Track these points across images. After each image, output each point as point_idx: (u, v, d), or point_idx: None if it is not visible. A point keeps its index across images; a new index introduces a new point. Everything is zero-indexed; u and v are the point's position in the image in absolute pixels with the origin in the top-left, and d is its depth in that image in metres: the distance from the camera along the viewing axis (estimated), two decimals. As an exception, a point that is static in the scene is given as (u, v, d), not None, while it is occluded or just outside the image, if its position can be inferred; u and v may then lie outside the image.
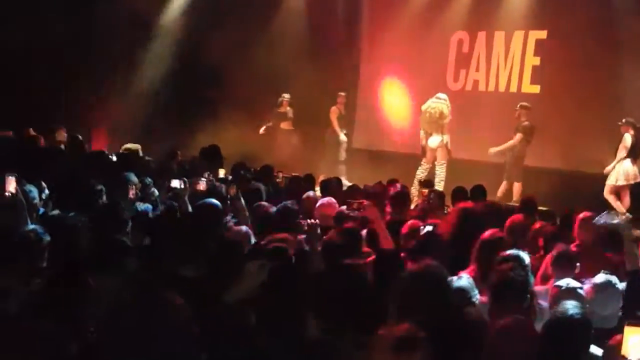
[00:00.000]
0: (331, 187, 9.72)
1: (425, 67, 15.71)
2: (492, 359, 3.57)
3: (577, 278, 5.40)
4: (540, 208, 9.70)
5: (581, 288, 5.01)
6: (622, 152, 12.25)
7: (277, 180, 10.98)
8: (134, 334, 3.14)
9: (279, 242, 5.85)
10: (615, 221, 7.08)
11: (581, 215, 7.55)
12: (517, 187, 13.60)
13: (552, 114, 13.85)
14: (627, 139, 12.18)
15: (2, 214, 5.67)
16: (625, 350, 3.25)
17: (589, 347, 4.05)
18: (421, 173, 14.32)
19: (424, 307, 3.93)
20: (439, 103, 14.19)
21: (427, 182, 12.20)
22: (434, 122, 14.18)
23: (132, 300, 3.73)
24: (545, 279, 5.89)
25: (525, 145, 13.65)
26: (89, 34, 15.66)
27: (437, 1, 15.73)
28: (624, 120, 12.30)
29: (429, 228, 6.40)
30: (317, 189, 9.90)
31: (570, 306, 4.04)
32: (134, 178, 7.60)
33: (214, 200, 6.68)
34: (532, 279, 4.99)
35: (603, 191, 12.45)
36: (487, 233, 6.76)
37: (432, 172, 14.32)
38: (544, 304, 4.84)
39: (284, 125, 16.33)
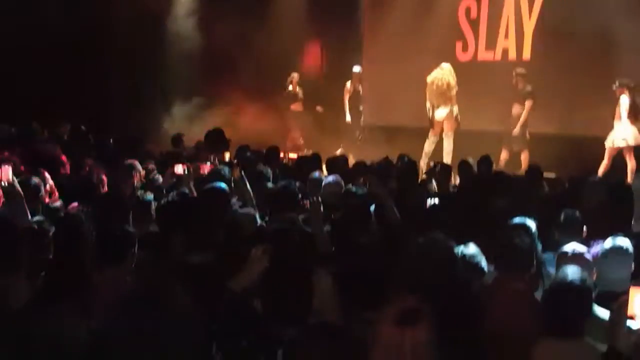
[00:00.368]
0: (337, 165, 9.68)
1: (432, 38, 15.46)
2: (494, 329, 3.53)
3: (585, 242, 5.36)
4: (547, 175, 9.68)
5: (588, 252, 4.97)
6: (624, 115, 12.20)
7: (284, 161, 10.95)
8: (139, 326, 3.13)
9: (283, 223, 5.80)
10: None
11: (590, 179, 7.51)
12: (525, 156, 13.52)
13: (551, 78, 13.77)
14: (625, 101, 12.16)
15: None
16: (631, 309, 3.23)
17: (589, 313, 4.04)
18: (429, 146, 14.24)
19: (431, 279, 3.91)
20: (445, 74, 14.07)
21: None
22: (442, 94, 14.06)
23: (136, 292, 3.72)
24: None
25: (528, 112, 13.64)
26: (93, 27, 15.57)
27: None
28: (617, 83, 12.28)
29: (435, 201, 6.38)
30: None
31: (570, 272, 4.02)
32: (137, 165, 7.58)
33: (222, 184, 6.64)
34: (539, 246, 4.97)
35: (604, 154, 12.45)
36: (494, 203, 6.78)
37: (440, 144, 14.24)
38: (553, 270, 4.79)
39: (295, 106, 16.14)
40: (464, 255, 4.63)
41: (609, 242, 4.91)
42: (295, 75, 16.05)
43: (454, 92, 14.04)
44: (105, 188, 6.90)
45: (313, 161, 10.04)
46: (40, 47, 14.76)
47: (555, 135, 13.57)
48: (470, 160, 9.94)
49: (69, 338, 3.59)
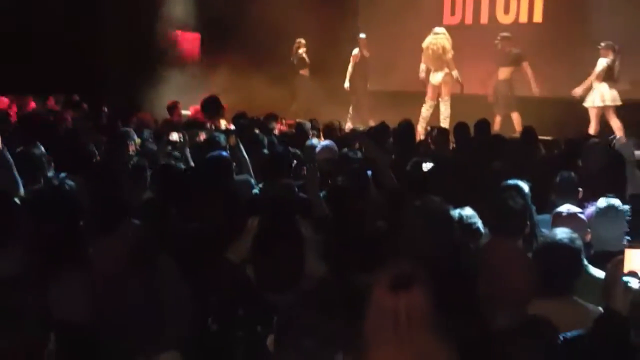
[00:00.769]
0: (333, 131, 9.67)
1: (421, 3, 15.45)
2: (489, 291, 3.54)
3: (580, 203, 5.36)
4: (543, 137, 9.68)
5: (582, 213, 4.98)
6: (595, 75, 12.46)
7: (281, 127, 10.92)
8: (134, 297, 3.13)
9: (278, 190, 5.79)
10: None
11: (588, 142, 7.51)
12: (516, 117, 13.58)
13: (538, 42, 13.83)
14: (602, 62, 12.39)
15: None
16: (627, 266, 3.24)
17: (578, 272, 4.05)
18: (426, 111, 14.21)
19: (428, 243, 3.91)
20: (439, 38, 14.02)
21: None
22: (438, 58, 14.02)
23: (132, 262, 3.71)
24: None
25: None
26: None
27: None
28: (603, 44, 12.43)
29: (430, 164, 6.37)
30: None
31: (559, 232, 4.05)
32: (132, 134, 7.54)
33: (223, 153, 6.61)
34: (532, 208, 4.98)
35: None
36: (490, 165, 6.78)
37: (437, 109, 14.21)
38: (546, 232, 4.80)
39: (304, 72, 15.96)
40: (461, 218, 4.63)
41: (601, 202, 4.95)
42: (302, 41, 15.90)
43: (449, 55, 13.98)
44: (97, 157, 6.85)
45: (309, 127, 10.01)
46: (35, 16, 14.61)
47: (551, 98, 13.58)
48: None
49: (66, 307, 3.60)
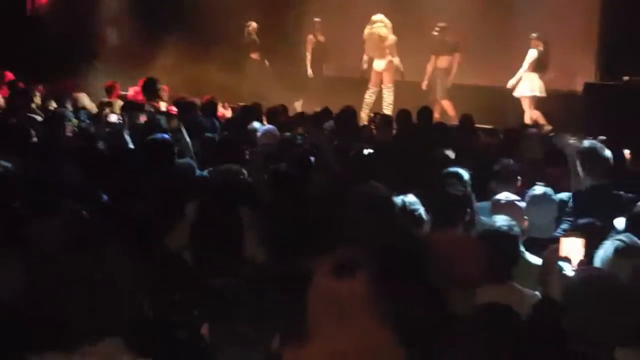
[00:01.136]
0: (277, 115, 9.64)
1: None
2: (438, 278, 3.56)
3: (518, 192, 5.44)
4: (484, 126, 9.83)
5: (519, 200, 5.06)
6: (525, 65, 12.73)
7: (224, 110, 10.84)
8: (72, 279, 3.07)
9: (223, 174, 5.75)
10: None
11: (526, 132, 7.63)
12: (447, 104, 13.77)
13: (469, 30, 13.93)
14: (533, 53, 12.68)
15: None
16: (563, 253, 3.32)
17: (515, 259, 4.13)
18: (369, 97, 14.28)
19: (369, 229, 3.93)
20: (376, 27, 14.11)
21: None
22: (376, 47, 14.13)
23: (68, 245, 3.64)
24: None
25: None
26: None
27: None
28: (534, 35, 12.72)
29: (370, 150, 6.40)
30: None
31: (499, 219, 4.12)
32: (69, 114, 7.42)
33: (165, 135, 6.53)
34: (472, 195, 5.04)
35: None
36: (432, 152, 6.84)
37: (380, 96, 14.28)
38: (485, 219, 4.86)
39: (255, 55, 15.70)
40: (404, 204, 4.66)
41: (532, 191, 5.06)
42: (253, 24, 15.75)
43: (387, 43, 14.08)
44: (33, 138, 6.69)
45: (253, 111, 9.97)
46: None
47: (488, 87, 13.80)
48: None
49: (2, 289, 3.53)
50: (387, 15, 14.26)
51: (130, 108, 8.75)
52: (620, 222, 4.70)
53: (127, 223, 4.49)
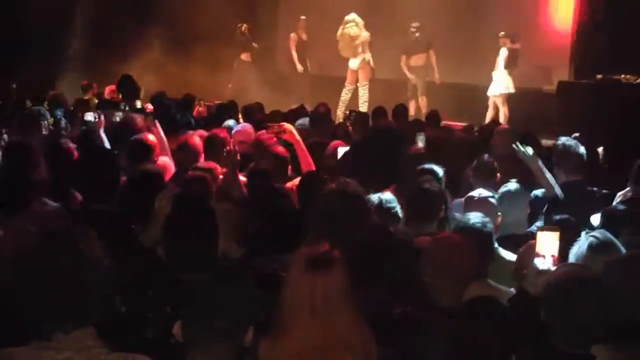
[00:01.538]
0: (253, 112, 9.63)
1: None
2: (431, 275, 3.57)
3: (496, 187, 5.46)
4: (455, 123, 9.92)
5: (493, 197, 5.09)
6: (501, 65, 13.04)
7: (200, 108, 10.81)
8: (45, 274, 3.05)
9: (201, 171, 5.73)
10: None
11: (499, 128, 7.68)
12: (424, 100, 13.97)
13: (442, 28, 14.14)
14: (504, 52, 12.98)
15: None
16: (539, 248, 3.34)
17: (490, 256, 4.15)
18: (345, 95, 14.41)
19: (341, 225, 3.94)
20: (347, 27, 14.25)
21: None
22: (347, 47, 14.33)
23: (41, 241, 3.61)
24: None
25: None
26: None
27: None
28: (502, 33, 13.02)
29: (346, 149, 6.40)
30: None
31: (473, 216, 4.14)
32: (44, 112, 7.36)
33: (150, 136, 6.51)
34: (446, 191, 5.06)
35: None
36: (408, 149, 6.86)
37: (355, 93, 14.34)
38: (459, 215, 4.89)
39: (244, 56, 15.79)
40: (380, 202, 4.67)
41: (504, 187, 5.09)
42: (244, 25, 15.72)
43: (358, 41, 14.21)
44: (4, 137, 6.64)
45: (229, 108, 9.95)
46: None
47: (464, 84, 13.94)
48: None
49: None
50: (362, 15, 14.31)
51: (106, 106, 8.71)
52: (595, 219, 4.74)
53: (99, 219, 4.47)
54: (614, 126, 9.51)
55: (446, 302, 3.42)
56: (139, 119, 7.38)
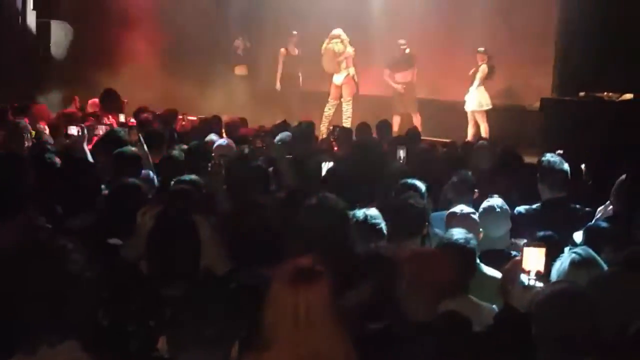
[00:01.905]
0: (235, 127, 9.63)
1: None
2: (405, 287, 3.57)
3: (475, 203, 5.48)
4: (441, 139, 9.96)
5: (474, 213, 5.09)
6: (478, 81, 13.14)
7: (183, 123, 10.80)
8: (28, 287, 3.03)
9: (184, 185, 5.71)
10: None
11: (478, 143, 7.73)
12: (417, 118, 13.97)
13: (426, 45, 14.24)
14: (484, 68, 13.06)
15: None
16: (525, 264, 3.34)
17: (472, 272, 4.16)
18: (328, 110, 14.42)
19: (322, 239, 3.94)
20: (332, 43, 14.30)
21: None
22: (331, 62, 14.36)
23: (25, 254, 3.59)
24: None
25: None
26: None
27: None
28: (482, 49, 13.15)
29: (330, 164, 6.40)
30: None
31: (456, 232, 4.15)
32: (27, 125, 7.33)
33: (132, 148, 6.50)
34: (429, 207, 5.07)
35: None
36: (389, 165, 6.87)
37: (339, 109, 14.37)
38: (439, 231, 4.89)
39: (239, 70, 15.86)
40: (365, 218, 4.66)
41: (486, 203, 5.10)
42: (240, 38, 15.76)
43: (342, 57, 14.27)
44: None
45: (213, 123, 9.94)
46: None
47: (446, 101, 14.06)
48: None
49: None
50: (347, 30, 14.37)
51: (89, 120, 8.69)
52: (578, 236, 4.76)
53: (80, 232, 4.45)
54: (597, 143, 9.56)
55: (421, 317, 3.41)
56: (122, 132, 7.37)
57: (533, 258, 3.38)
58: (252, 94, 15.08)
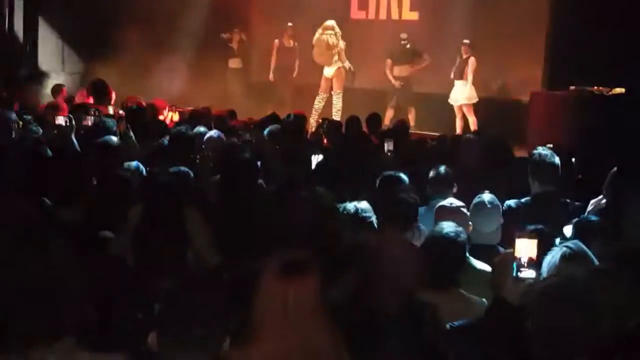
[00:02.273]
0: (224, 120, 9.57)
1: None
2: (375, 277, 3.55)
3: (457, 197, 5.44)
4: (432, 133, 9.97)
5: (464, 207, 5.08)
6: (472, 74, 13.21)
7: (172, 114, 10.76)
8: (19, 281, 3.00)
9: (168, 176, 5.68)
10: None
11: (465, 137, 7.72)
12: (412, 112, 14.03)
13: (430, 40, 14.22)
14: (473, 61, 13.14)
15: None
16: (517, 256, 3.34)
17: (462, 265, 4.16)
18: (318, 103, 14.38)
19: (312, 231, 3.93)
20: (325, 35, 14.21)
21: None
22: (323, 54, 14.27)
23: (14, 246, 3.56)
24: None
25: None
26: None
27: None
28: (467, 41, 13.21)
29: (320, 156, 6.39)
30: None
31: (446, 226, 4.14)
32: (12, 116, 7.26)
33: (112, 138, 6.45)
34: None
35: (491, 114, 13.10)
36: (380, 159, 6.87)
37: (329, 101, 14.34)
38: (423, 227, 4.87)
39: (233, 63, 15.79)
40: (356, 211, 4.66)
41: (477, 197, 5.09)
42: (235, 30, 15.71)
43: (336, 50, 14.20)
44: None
45: (201, 116, 9.89)
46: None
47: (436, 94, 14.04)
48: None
49: None
50: (338, 24, 14.36)
51: (77, 110, 8.62)
52: (568, 230, 4.75)
53: (68, 226, 4.41)
54: (587, 137, 9.57)
55: (391, 309, 3.40)
56: (112, 122, 7.33)
57: (525, 249, 3.37)
58: (247, 87, 15.07)
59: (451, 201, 5.12)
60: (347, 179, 5.74)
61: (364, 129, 9.53)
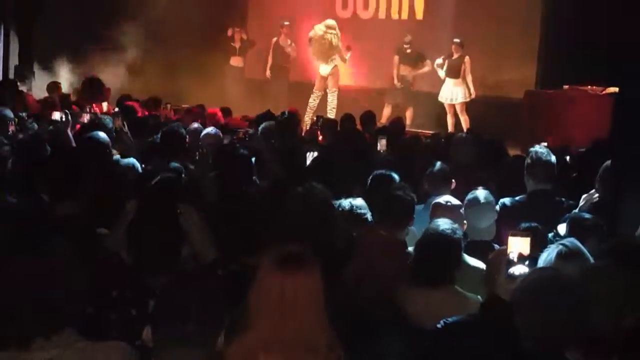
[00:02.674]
0: (218, 117, 9.60)
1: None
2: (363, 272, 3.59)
3: (453, 194, 5.46)
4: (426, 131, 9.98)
5: (460, 205, 5.09)
6: (469, 75, 13.28)
7: (167, 111, 10.77)
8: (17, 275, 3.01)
9: (163, 172, 5.68)
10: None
11: (457, 135, 7.75)
12: (410, 111, 14.06)
13: (431, 40, 14.20)
14: (469, 59, 13.18)
15: None
16: (510, 253, 3.35)
17: (458, 262, 4.17)
18: (313, 101, 14.39)
19: (308, 228, 3.94)
20: (329, 34, 14.22)
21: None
22: (324, 53, 14.27)
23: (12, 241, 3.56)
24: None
25: None
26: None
27: None
28: (458, 40, 13.22)
29: (315, 153, 6.40)
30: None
31: (442, 223, 4.15)
32: (8, 113, 7.26)
33: (100, 134, 6.44)
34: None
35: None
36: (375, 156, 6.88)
37: (324, 100, 14.37)
38: (412, 228, 4.89)
39: (234, 62, 15.81)
40: (352, 208, 4.68)
41: (471, 194, 5.10)
42: (236, 29, 15.71)
43: (336, 51, 14.19)
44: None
45: (196, 113, 9.90)
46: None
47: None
48: None
49: None
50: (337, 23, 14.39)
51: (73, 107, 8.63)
52: (562, 228, 4.77)
53: (65, 221, 4.41)
54: (580, 136, 9.59)
55: (374, 305, 3.42)
56: (108, 119, 7.34)
57: (518, 247, 3.39)
58: (247, 85, 15.09)
59: (447, 199, 5.14)
60: (342, 176, 5.74)
61: (358, 126, 9.56)
